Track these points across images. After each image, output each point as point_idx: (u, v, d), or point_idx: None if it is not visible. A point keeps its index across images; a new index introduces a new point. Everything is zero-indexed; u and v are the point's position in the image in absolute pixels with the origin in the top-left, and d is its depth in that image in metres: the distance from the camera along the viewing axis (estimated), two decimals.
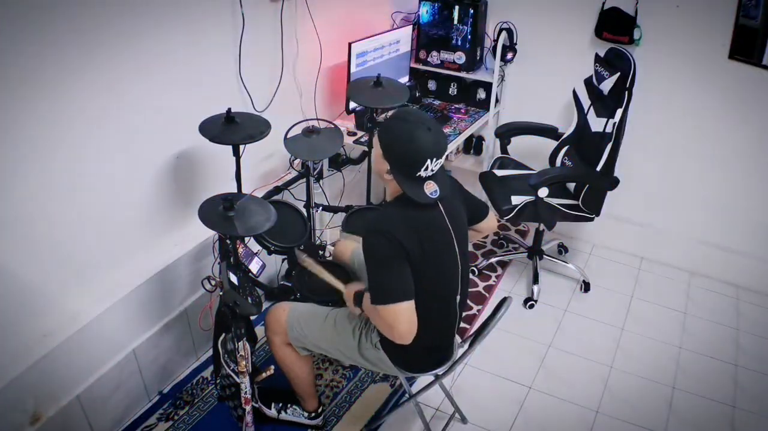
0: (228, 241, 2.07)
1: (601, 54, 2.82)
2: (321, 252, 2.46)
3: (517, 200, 2.81)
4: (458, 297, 1.90)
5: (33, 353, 1.85)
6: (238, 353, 1.84)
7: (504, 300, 1.96)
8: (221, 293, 1.94)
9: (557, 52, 3.23)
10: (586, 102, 2.89)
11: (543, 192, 2.73)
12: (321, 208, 2.69)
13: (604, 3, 2.98)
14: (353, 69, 2.85)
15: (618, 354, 2.73)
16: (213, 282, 1.98)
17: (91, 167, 1.93)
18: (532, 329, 2.85)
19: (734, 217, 3.12)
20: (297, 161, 2.53)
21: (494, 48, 3.28)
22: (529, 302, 3.00)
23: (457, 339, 2.06)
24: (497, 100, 3.44)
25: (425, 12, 3.29)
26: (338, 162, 2.91)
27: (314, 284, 2.20)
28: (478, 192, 2.50)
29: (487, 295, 3.07)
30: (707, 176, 3.11)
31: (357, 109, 2.96)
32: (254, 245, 2.36)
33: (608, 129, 2.69)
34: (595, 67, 2.81)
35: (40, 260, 1.87)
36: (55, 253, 1.90)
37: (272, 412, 2.24)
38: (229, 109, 2.11)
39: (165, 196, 2.27)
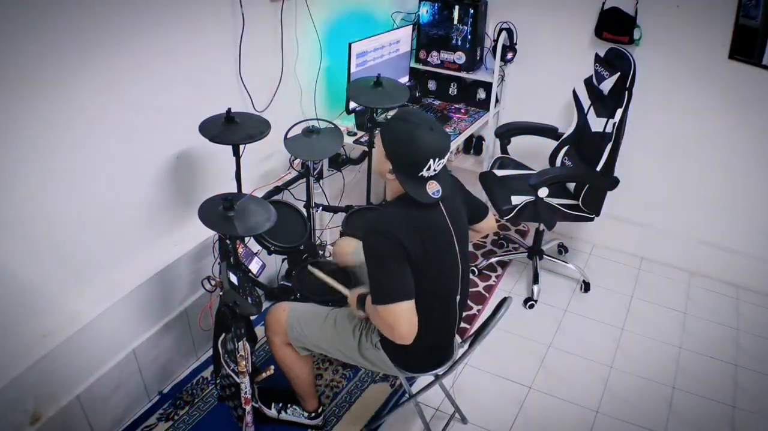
0: (228, 241, 2.07)
1: (601, 54, 2.82)
2: (321, 252, 2.46)
3: (517, 200, 2.81)
4: (458, 297, 1.90)
5: (33, 353, 1.85)
6: (238, 353, 1.84)
7: (504, 300, 1.96)
8: (221, 293, 1.94)
9: (557, 52, 3.23)
10: (586, 102, 2.89)
11: (543, 192, 2.73)
12: (321, 208, 2.69)
13: (604, 3, 2.98)
14: (353, 69, 2.85)
15: (618, 354, 2.73)
16: (213, 282, 1.98)
17: (91, 166, 1.93)
18: (532, 329, 2.85)
19: (734, 217, 3.12)
20: (297, 161, 2.53)
21: (494, 48, 3.28)
22: (529, 302, 3.00)
23: (457, 338, 2.06)
24: (497, 100, 3.44)
25: (425, 12, 3.29)
26: (338, 162, 2.91)
27: (314, 285, 2.20)
28: (478, 192, 2.50)
29: (487, 295, 3.07)
30: (707, 176, 3.11)
31: (357, 109, 2.96)
32: (254, 245, 2.36)
33: (608, 129, 2.69)
34: (595, 67, 2.81)
35: (40, 260, 1.87)
36: (55, 253, 1.90)
37: (272, 412, 2.24)
38: (229, 109, 2.11)
39: (165, 196, 2.27)
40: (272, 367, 1.96)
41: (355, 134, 2.96)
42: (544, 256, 3.18)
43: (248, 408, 1.97)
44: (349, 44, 2.79)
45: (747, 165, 2.99)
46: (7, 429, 1.82)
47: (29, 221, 1.79)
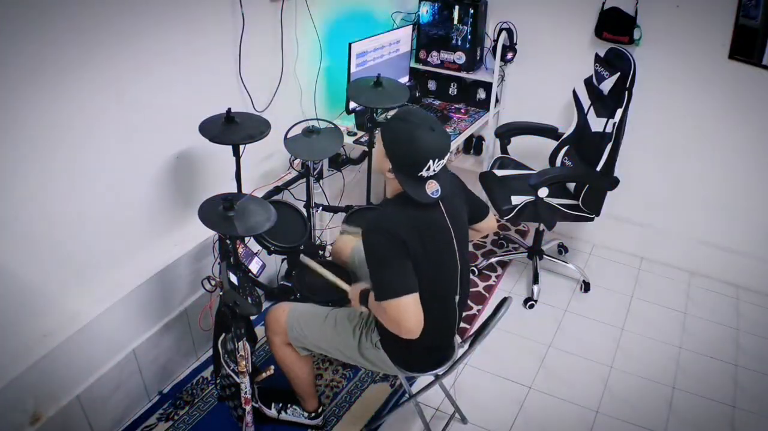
0: (228, 241, 2.07)
1: (601, 54, 2.82)
2: (321, 252, 2.46)
3: (517, 200, 2.81)
4: (457, 297, 1.90)
5: (33, 353, 1.85)
6: (238, 353, 1.84)
7: (504, 300, 1.96)
8: (221, 293, 1.94)
9: (557, 52, 3.23)
10: (586, 102, 2.89)
11: (543, 192, 2.73)
12: (321, 208, 2.69)
13: (604, 3, 2.98)
14: (353, 69, 2.85)
15: (618, 354, 2.73)
16: (213, 282, 1.98)
17: (90, 166, 1.93)
18: (532, 329, 2.85)
19: (734, 217, 3.12)
20: (297, 161, 2.53)
21: (494, 48, 3.28)
22: (529, 302, 3.00)
23: (457, 338, 2.06)
24: (497, 100, 3.44)
25: (425, 12, 3.29)
26: (338, 162, 2.91)
27: (314, 284, 2.20)
28: (478, 192, 2.50)
29: (487, 295, 3.07)
30: (707, 176, 3.11)
31: (357, 109, 2.96)
32: (254, 245, 2.36)
33: (608, 129, 2.69)
34: (595, 67, 2.81)
35: (40, 260, 1.87)
36: (55, 253, 1.90)
37: (272, 412, 2.24)
38: (229, 109, 2.11)
39: (165, 196, 2.27)
40: (272, 367, 1.96)
41: (355, 134, 2.96)
42: (544, 256, 3.18)
43: (248, 408, 1.97)
44: (349, 44, 2.79)
45: (747, 165, 2.99)
46: (7, 429, 1.82)
47: (29, 221, 1.79)
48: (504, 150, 3.20)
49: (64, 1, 1.68)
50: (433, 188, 1.72)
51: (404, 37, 3.22)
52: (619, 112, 2.64)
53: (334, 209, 2.78)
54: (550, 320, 2.92)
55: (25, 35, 1.62)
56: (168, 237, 2.33)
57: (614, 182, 2.79)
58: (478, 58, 3.35)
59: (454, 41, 3.28)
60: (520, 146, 3.23)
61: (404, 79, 3.32)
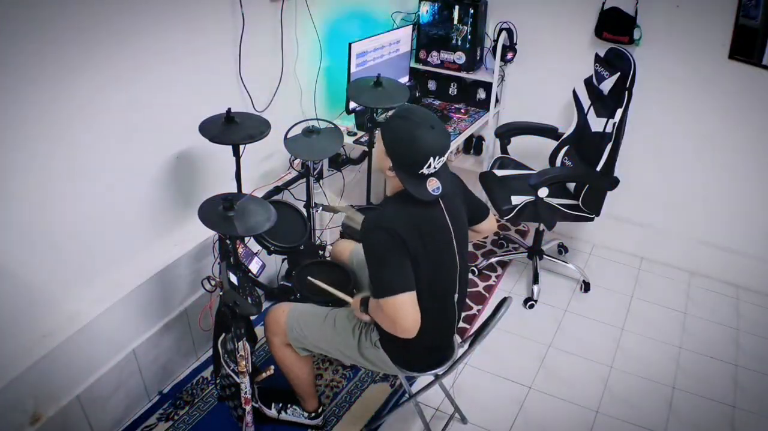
0: (228, 241, 2.07)
1: (601, 54, 2.82)
2: (321, 252, 2.46)
3: (517, 200, 2.81)
4: (456, 296, 1.90)
5: (33, 353, 1.85)
6: (238, 353, 1.84)
7: (504, 300, 1.96)
8: (221, 293, 1.94)
9: (557, 52, 3.23)
10: (586, 102, 2.90)
11: (543, 192, 2.73)
12: (321, 208, 2.69)
13: (604, 3, 2.98)
14: (353, 69, 2.85)
15: (618, 354, 2.73)
16: (213, 282, 1.98)
17: (90, 166, 1.93)
18: (532, 329, 2.85)
19: (734, 217, 3.12)
20: (297, 161, 2.53)
21: (494, 48, 3.28)
22: (529, 302, 3.00)
23: (457, 338, 2.06)
24: (497, 100, 3.44)
25: (425, 12, 3.29)
26: (338, 162, 2.91)
27: (314, 285, 2.20)
28: (478, 192, 2.50)
29: (487, 295, 3.07)
30: (707, 175, 3.11)
31: (357, 109, 2.96)
32: (254, 245, 2.36)
33: (608, 129, 2.69)
34: (595, 67, 2.81)
35: (40, 260, 1.86)
36: (55, 253, 1.90)
37: (272, 412, 2.24)
38: (229, 109, 2.11)
39: (165, 196, 2.27)
40: (272, 367, 1.96)
41: (355, 134, 2.96)
42: (544, 256, 3.18)
43: (248, 408, 1.97)
44: (349, 44, 2.79)
45: (747, 165, 2.99)
46: (7, 429, 1.82)
47: (29, 221, 1.79)
48: (504, 150, 3.20)
49: (63, 0, 1.68)
50: (434, 186, 1.72)
51: (404, 37, 3.22)
52: (619, 112, 2.64)
53: (334, 209, 2.77)
54: (550, 321, 2.92)
55: (25, 35, 1.62)
56: (168, 237, 2.33)
57: (614, 182, 2.79)
58: (478, 58, 3.35)
59: (454, 41, 3.28)
60: (520, 146, 3.23)
61: (404, 79, 3.32)
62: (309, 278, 2.17)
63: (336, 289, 2.06)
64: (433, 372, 2.01)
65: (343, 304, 2.06)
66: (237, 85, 2.42)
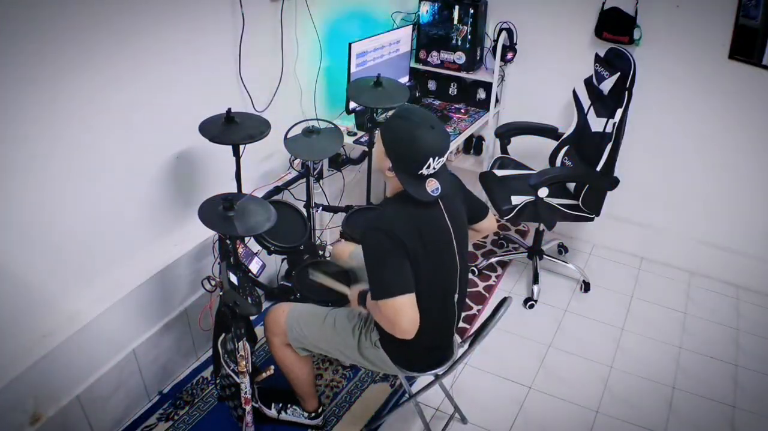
0: (228, 241, 2.07)
1: (601, 54, 2.82)
2: (321, 252, 2.46)
3: (517, 200, 2.81)
4: (456, 296, 1.90)
5: (33, 353, 1.85)
6: (238, 353, 1.84)
7: (504, 300, 1.96)
8: (221, 293, 1.94)
9: (557, 52, 3.23)
10: (586, 102, 2.90)
11: (543, 192, 2.73)
12: (321, 208, 2.69)
13: (604, 3, 2.98)
14: (353, 69, 2.85)
15: (618, 354, 2.73)
16: (213, 282, 1.98)
17: (90, 166, 1.93)
18: (532, 329, 2.85)
19: (734, 217, 3.12)
20: (297, 161, 2.53)
21: (494, 48, 3.28)
22: (529, 302, 3.00)
23: (457, 338, 2.06)
24: (497, 100, 3.44)
25: (425, 12, 3.29)
26: (338, 162, 2.91)
27: (314, 284, 2.20)
28: (478, 192, 2.50)
29: (487, 295, 3.07)
30: (707, 175, 3.11)
31: (357, 109, 2.96)
32: (254, 245, 2.36)
33: (608, 129, 2.69)
34: (595, 67, 2.81)
35: (40, 260, 1.86)
36: (55, 253, 1.90)
37: (272, 412, 2.24)
38: (229, 109, 2.11)
39: (165, 196, 2.27)
40: (272, 367, 1.96)
41: (355, 134, 2.96)
42: (544, 256, 3.18)
43: (248, 408, 1.97)
44: (349, 44, 2.79)
45: (747, 165, 2.99)
46: (7, 429, 1.82)
47: (29, 221, 1.79)
48: (504, 150, 3.20)
49: (63, 0, 1.68)
50: (433, 186, 1.72)
51: (404, 37, 3.22)
52: (619, 112, 2.64)
53: (334, 209, 2.78)
54: (550, 320, 2.92)
55: (25, 34, 1.62)
56: (168, 237, 2.33)
57: (614, 182, 2.79)
58: (478, 58, 3.35)
59: (454, 41, 3.28)
60: (520, 146, 3.23)
61: (404, 79, 3.32)
62: (310, 270, 2.16)
63: (337, 284, 2.06)
64: (433, 372, 2.01)
65: (343, 304, 2.06)
66: (237, 85, 2.42)
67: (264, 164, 2.74)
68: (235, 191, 2.27)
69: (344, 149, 2.83)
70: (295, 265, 2.46)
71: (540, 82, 3.33)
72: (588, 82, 2.91)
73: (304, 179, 2.56)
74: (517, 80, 3.40)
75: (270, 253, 2.35)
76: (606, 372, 2.63)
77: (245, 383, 1.91)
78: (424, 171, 1.69)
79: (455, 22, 3.24)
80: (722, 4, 2.72)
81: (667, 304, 3.07)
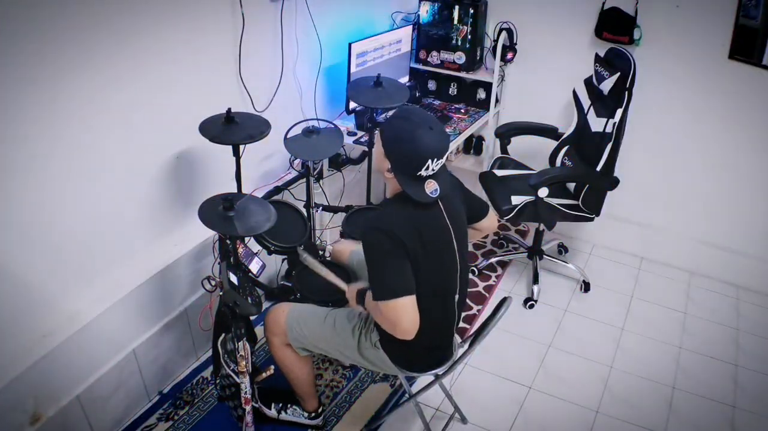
0: (228, 241, 2.07)
1: (601, 54, 2.82)
2: (321, 252, 2.46)
3: (517, 200, 2.81)
4: (457, 296, 1.90)
5: (33, 353, 1.85)
6: (238, 353, 1.84)
7: (504, 300, 1.96)
8: (221, 293, 1.94)
9: (557, 52, 3.23)
10: (586, 102, 2.90)
11: (543, 192, 2.73)
12: (321, 208, 2.69)
13: (604, 3, 2.98)
14: (353, 69, 2.85)
15: (618, 354, 2.73)
16: (213, 282, 1.98)
17: (90, 166, 1.93)
18: (532, 329, 2.85)
19: (734, 217, 3.12)
20: (297, 161, 2.53)
21: (494, 48, 3.28)
22: (529, 302, 3.00)
23: (457, 338, 2.06)
24: (497, 100, 3.44)
25: (425, 12, 3.29)
26: (338, 162, 2.91)
27: (314, 284, 2.20)
28: (478, 192, 2.50)
29: (487, 295, 3.07)
30: (707, 176, 3.11)
31: (357, 109, 2.96)
32: (254, 245, 2.36)
33: (608, 129, 2.69)
34: (595, 67, 2.81)
35: (40, 260, 1.86)
36: (55, 253, 1.90)
37: (272, 412, 2.24)
38: (229, 109, 2.11)
39: (165, 196, 2.27)
40: (272, 367, 1.96)
41: (355, 134, 2.96)
42: (544, 256, 3.18)
43: (248, 408, 1.97)
44: (349, 44, 2.79)
45: (747, 165, 2.99)
46: (7, 429, 1.82)
47: (29, 221, 1.79)
48: (504, 150, 3.20)
49: (63, 0, 1.68)
50: (432, 188, 1.72)
51: (404, 37, 3.22)
52: (619, 112, 2.64)
53: (334, 209, 2.78)
54: (550, 320, 2.92)
55: (25, 34, 1.61)
56: (168, 237, 2.33)
57: (614, 182, 2.79)
58: (478, 58, 3.35)
59: (454, 41, 3.28)
60: (520, 146, 3.23)
61: (404, 79, 3.32)
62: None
63: (332, 275, 2.06)
64: (433, 372, 2.01)
65: (343, 304, 2.06)
66: (237, 85, 2.42)
67: (264, 164, 2.74)
68: (235, 191, 2.27)
69: (344, 149, 2.83)
70: (295, 265, 2.46)
71: (540, 82, 3.33)
72: (588, 82, 2.91)
73: (304, 179, 2.56)
74: (517, 80, 3.40)
75: (270, 253, 2.35)
76: (606, 372, 2.63)
77: (245, 383, 1.91)
78: (423, 173, 1.69)
79: (455, 22, 3.24)
80: (722, 4, 2.72)
81: (667, 304, 3.07)
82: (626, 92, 2.63)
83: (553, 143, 3.08)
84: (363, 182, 2.93)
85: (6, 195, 1.71)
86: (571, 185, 2.92)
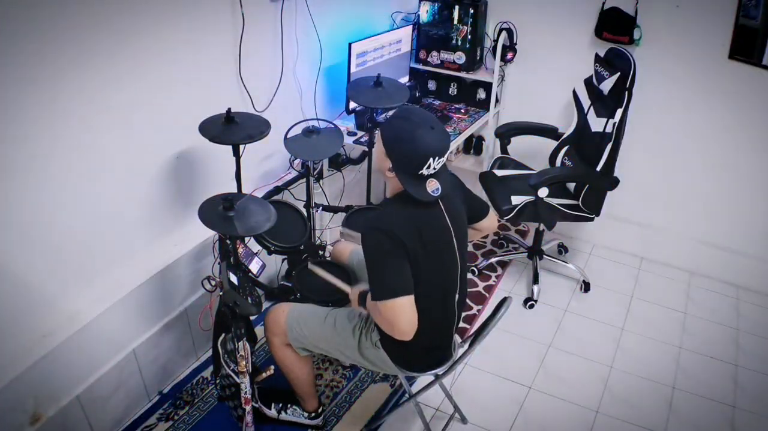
0: (228, 241, 2.07)
1: (601, 54, 2.82)
2: (321, 252, 2.46)
3: (517, 200, 2.81)
4: (457, 296, 1.90)
5: (33, 353, 1.85)
6: (238, 353, 1.84)
7: (504, 300, 1.96)
8: (221, 293, 1.94)
9: (557, 52, 3.23)
10: (586, 102, 2.90)
11: (543, 192, 2.73)
12: (321, 208, 2.69)
13: (604, 3, 2.98)
14: (353, 69, 2.85)
15: (618, 354, 2.73)
16: (213, 282, 1.98)
17: (90, 166, 1.93)
18: (532, 329, 2.85)
19: (734, 217, 3.12)
20: (297, 161, 2.53)
21: (494, 48, 3.28)
22: (529, 302, 3.00)
23: (457, 338, 2.06)
24: (497, 100, 3.44)
25: (425, 12, 3.29)
26: (338, 162, 2.91)
27: (314, 284, 2.20)
28: (478, 192, 2.50)
29: (487, 295, 3.07)
30: (707, 176, 3.11)
31: (357, 109, 2.96)
32: (254, 245, 2.36)
33: (608, 129, 2.69)
34: (595, 67, 2.81)
35: (40, 260, 1.86)
36: (55, 253, 1.90)
37: (272, 412, 2.24)
38: (229, 109, 2.11)
39: (165, 196, 2.27)
40: (272, 367, 1.96)
41: (355, 134, 2.96)
42: (544, 256, 3.18)
43: (248, 408, 1.97)
44: (349, 44, 2.79)
45: (747, 165, 2.99)
46: (7, 429, 1.82)
47: (29, 221, 1.79)
48: (504, 150, 3.20)
49: (63, 0, 1.68)
50: (433, 187, 1.72)
51: (404, 37, 3.22)
52: (619, 112, 2.64)
53: (334, 209, 2.78)
54: (550, 320, 2.92)
55: (25, 34, 1.62)
56: (168, 237, 2.33)
57: (614, 182, 2.79)
58: (478, 58, 3.35)
59: (454, 41, 3.28)
60: (520, 146, 3.23)
61: (404, 79, 3.32)
62: (310, 265, 2.16)
63: (340, 282, 2.06)
64: (433, 372, 2.01)
65: (344, 304, 2.06)
66: (237, 85, 2.42)
67: (264, 164, 2.74)
68: (235, 191, 2.27)
69: (344, 149, 2.83)
70: (295, 265, 2.46)
71: (540, 82, 3.33)
72: (588, 82, 2.91)
73: (304, 179, 2.56)
74: (517, 80, 3.40)
75: (270, 253, 2.35)
76: (606, 372, 2.63)
77: (245, 383, 1.91)
78: (425, 171, 1.69)
79: (455, 22, 3.24)
80: (722, 4, 2.72)
81: (667, 304, 3.07)
82: (626, 92, 2.63)
83: (553, 143, 3.08)
84: (363, 182, 2.93)
85: (6, 195, 1.71)
86: (571, 185, 2.92)
